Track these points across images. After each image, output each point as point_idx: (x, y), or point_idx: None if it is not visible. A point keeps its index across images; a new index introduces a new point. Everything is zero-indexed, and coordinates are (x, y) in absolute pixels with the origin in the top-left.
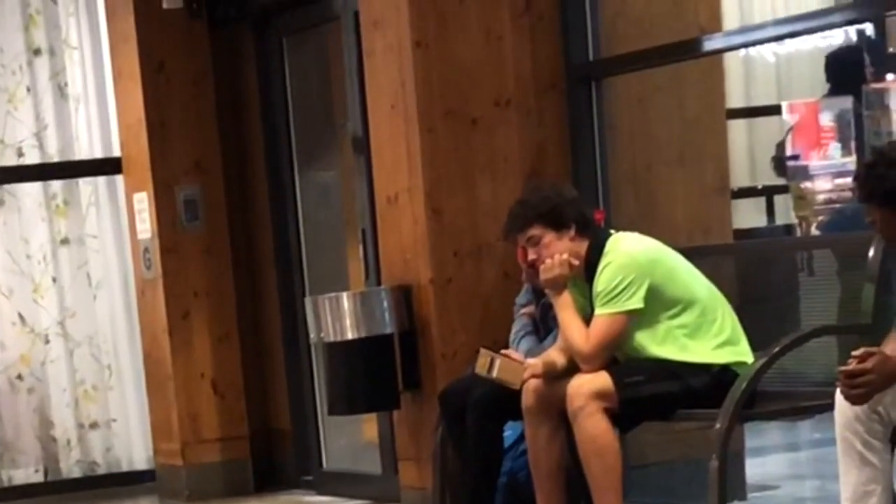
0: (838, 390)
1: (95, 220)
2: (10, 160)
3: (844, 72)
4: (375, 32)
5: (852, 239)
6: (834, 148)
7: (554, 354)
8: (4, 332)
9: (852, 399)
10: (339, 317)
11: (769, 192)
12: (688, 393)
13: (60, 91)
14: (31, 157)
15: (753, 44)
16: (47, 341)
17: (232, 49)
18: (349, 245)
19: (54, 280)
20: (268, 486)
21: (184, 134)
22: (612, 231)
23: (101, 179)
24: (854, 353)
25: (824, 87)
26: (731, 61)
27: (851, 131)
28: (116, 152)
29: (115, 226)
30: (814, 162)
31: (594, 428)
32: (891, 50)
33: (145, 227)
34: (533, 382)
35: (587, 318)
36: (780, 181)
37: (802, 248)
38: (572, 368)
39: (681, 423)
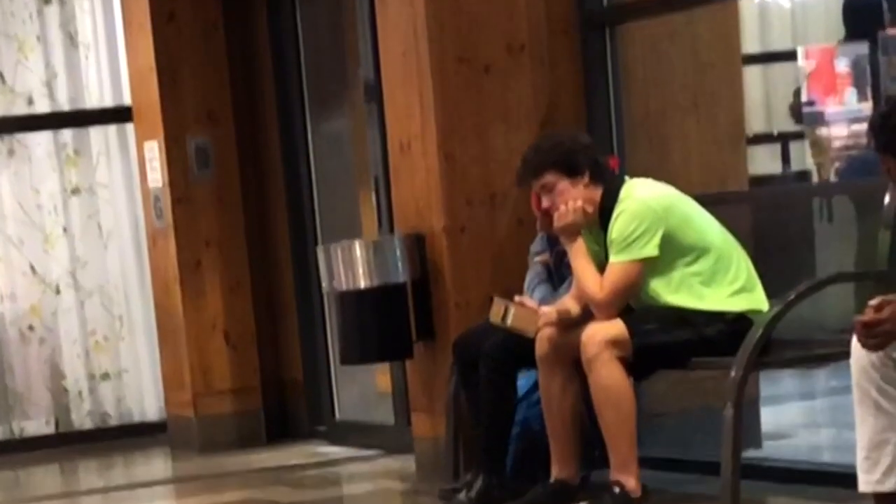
0: (854, 338)
1: (106, 170)
2: (21, 109)
3: (861, 17)
4: None
5: (868, 185)
6: (850, 94)
7: (568, 302)
8: (15, 282)
9: (869, 347)
10: (351, 266)
11: (785, 139)
12: (702, 341)
13: (71, 39)
14: (42, 106)
15: None
16: (58, 292)
17: None
18: (361, 193)
19: (65, 230)
20: (280, 437)
21: (195, 82)
22: (627, 178)
23: (112, 128)
24: (870, 302)
25: (840, 32)
26: (747, 6)
27: (867, 77)
28: (127, 101)
29: (126, 175)
30: (830, 108)
31: (608, 376)
32: None
33: (156, 176)
34: (547, 331)
35: (601, 265)
36: (796, 128)
37: (818, 194)
38: (586, 316)
39: (695, 371)
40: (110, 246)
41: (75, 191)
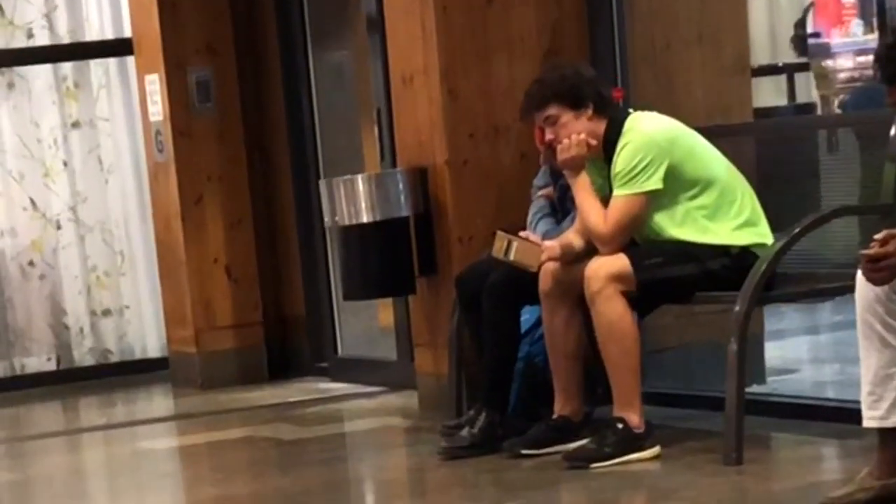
0: (859, 272)
1: (107, 103)
2: (20, 42)
3: None
4: None
5: (874, 117)
6: (856, 25)
7: (571, 237)
8: (16, 217)
9: (874, 281)
10: (353, 200)
11: (790, 71)
12: (706, 275)
13: None
14: (41, 39)
15: None
16: (59, 227)
17: None
18: (364, 126)
19: (65, 164)
20: (282, 373)
21: (196, 14)
22: (631, 110)
23: (113, 61)
24: (876, 236)
25: None
26: None
27: (874, 8)
28: (128, 33)
29: (127, 108)
30: (835, 39)
31: (612, 311)
32: None
33: (157, 109)
34: (550, 265)
35: (605, 199)
36: (802, 59)
37: (823, 127)
38: (590, 251)
39: (699, 305)
40: (111, 180)
41: (76, 124)
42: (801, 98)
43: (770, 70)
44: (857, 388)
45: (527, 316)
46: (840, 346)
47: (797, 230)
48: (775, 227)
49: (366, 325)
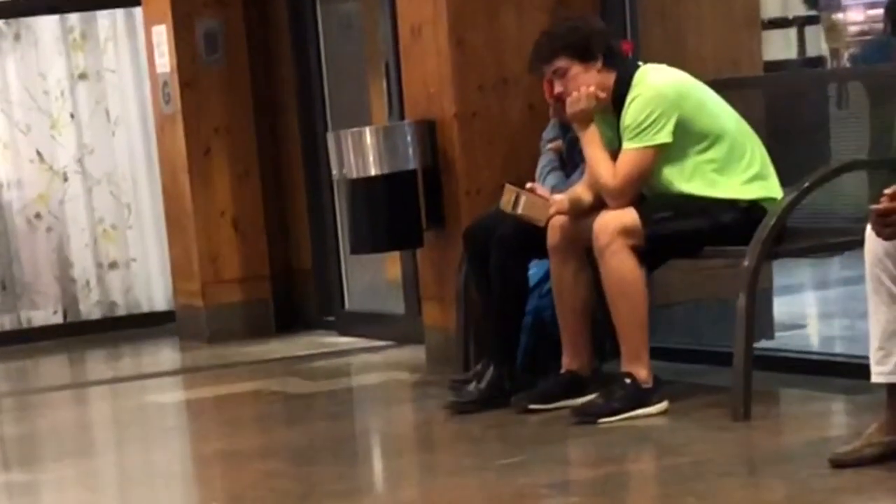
0: (868, 227)
1: (114, 54)
2: None
3: None
4: None
5: (885, 71)
6: None
7: (580, 190)
8: (22, 169)
9: (883, 236)
10: (361, 152)
11: (800, 23)
12: (716, 229)
13: None
14: None
15: None
16: (65, 179)
17: None
18: (372, 79)
19: (72, 116)
20: (289, 327)
21: None
22: (640, 63)
23: (119, 12)
24: (885, 191)
25: None
26: None
27: None
28: None
29: (134, 60)
30: None
31: (621, 265)
32: None
33: (164, 60)
34: (559, 219)
35: (614, 152)
36: (812, 12)
37: (833, 80)
38: (599, 205)
39: (708, 260)
40: (118, 132)
41: (83, 76)
42: (811, 51)
43: (780, 23)
44: (866, 344)
45: (535, 270)
46: (849, 301)
47: (807, 184)
48: (785, 181)
49: (373, 278)
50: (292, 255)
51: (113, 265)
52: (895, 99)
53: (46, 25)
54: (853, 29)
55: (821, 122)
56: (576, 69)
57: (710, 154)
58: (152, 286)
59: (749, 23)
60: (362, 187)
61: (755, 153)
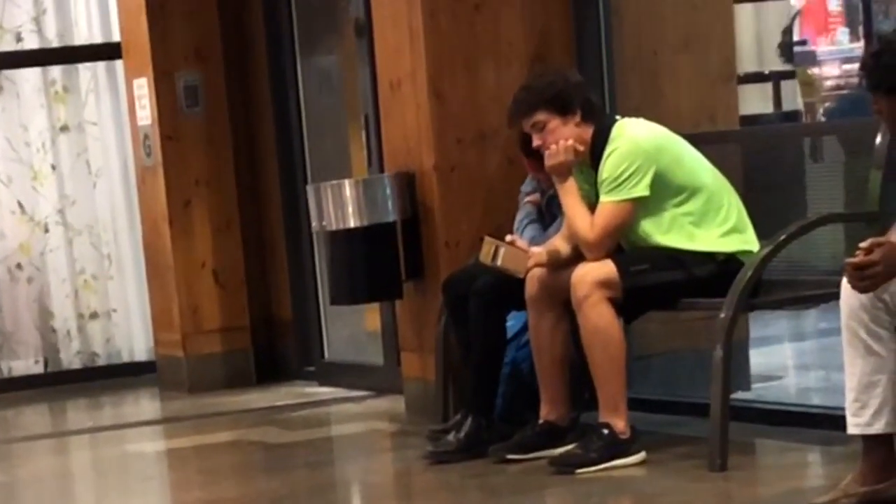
0: (844, 279)
1: (95, 107)
2: (9, 45)
3: None
4: None
5: (859, 125)
6: (842, 33)
7: (558, 242)
8: (3, 220)
9: (859, 289)
10: (341, 205)
11: (776, 78)
12: (693, 282)
13: None
14: (30, 42)
15: None
16: (47, 230)
17: None
18: (351, 131)
19: (53, 168)
20: (269, 377)
21: (184, 19)
22: (618, 117)
23: (101, 65)
24: (861, 244)
25: None
26: None
27: (859, 16)
28: (116, 37)
29: (115, 112)
30: (821, 47)
31: (598, 317)
32: None
33: (145, 113)
34: (537, 271)
35: (592, 205)
36: (787, 67)
37: (809, 134)
38: (577, 257)
39: (685, 312)
40: (99, 184)
41: (64, 128)
42: (786, 105)
43: (756, 77)
44: (842, 395)
45: (513, 321)
46: (825, 353)
47: (783, 237)
48: (761, 234)
49: (353, 329)
50: (273, 305)
51: (94, 315)
52: (870, 152)
53: (29, 77)
54: (828, 83)
55: (797, 175)
56: (554, 123)
57: (687, 207)
58: (133, 336)
59: (725, 77)
60: (342, 239)
61: (732, 206)
